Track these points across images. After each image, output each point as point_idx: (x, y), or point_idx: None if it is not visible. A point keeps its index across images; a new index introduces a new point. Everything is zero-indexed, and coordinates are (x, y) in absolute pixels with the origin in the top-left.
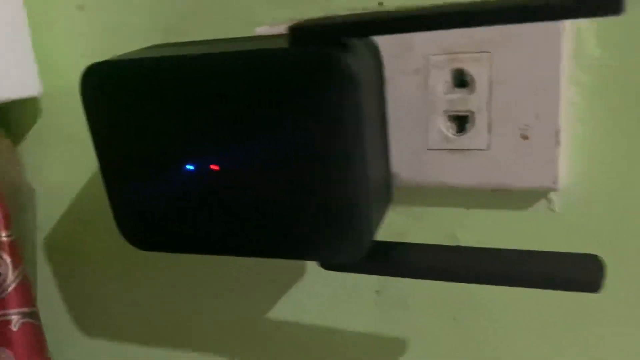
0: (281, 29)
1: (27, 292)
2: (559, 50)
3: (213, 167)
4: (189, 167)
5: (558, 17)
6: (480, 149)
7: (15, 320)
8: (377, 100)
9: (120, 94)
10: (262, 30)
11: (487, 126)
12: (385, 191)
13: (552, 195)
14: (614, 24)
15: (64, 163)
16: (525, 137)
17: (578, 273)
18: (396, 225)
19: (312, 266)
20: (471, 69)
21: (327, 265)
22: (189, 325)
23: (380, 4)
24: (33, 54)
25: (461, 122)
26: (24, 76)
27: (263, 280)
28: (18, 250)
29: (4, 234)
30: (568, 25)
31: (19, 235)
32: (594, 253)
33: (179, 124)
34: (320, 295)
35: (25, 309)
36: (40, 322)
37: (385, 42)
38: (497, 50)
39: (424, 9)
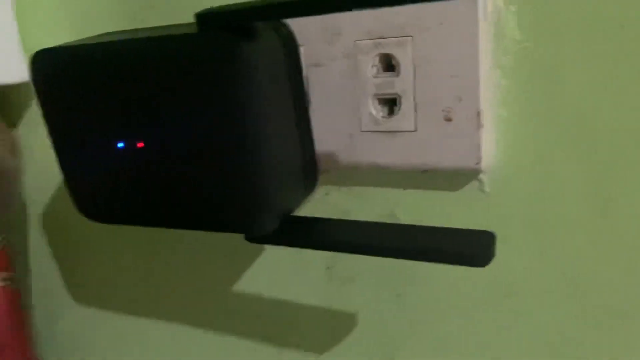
0: None
1: (3, 259)
2: (476, 34)
3: (139, 144)
4: (119, 144)
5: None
6: (408, 131)
7: None
8: (287, 83)
9: (61, 78)
10: None
11: (413, 108)
12: (305, 170)
13: (482, 176)
14: (533, 7)
15: None
16: (448, 119)
17: (469, 248)
18: (341, 205)
19: None
20: (396, 53)
21: (250, 238)
22: (157, 294)
23: None
24: (20, 43)
25: (391, 104)
26: (13, 63)
27: (219, 254)
28: None
29: None
30: (489, 9)
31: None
32: (521, 231)
33: (109, 105)
34: (274, 270)
35: (3, 274)
36: (18, 287)
37: (314, 28)
38: (418, 34)
39: None
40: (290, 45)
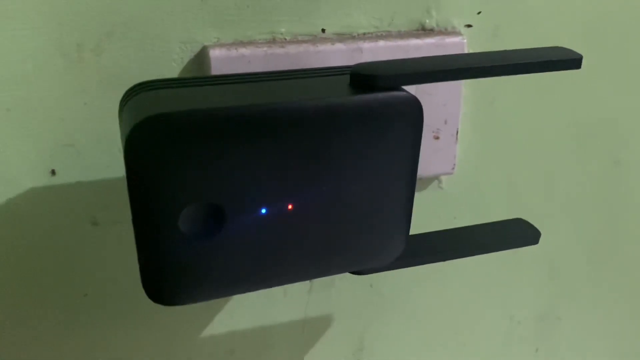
0: (231, 50)
1: None
2: None
3: (289, 207)
4: (263, 210)
5: None
6: None
7: None
8: None
9: (187, 153)
10: (215, 53)
11: None
12: None
13: (441, 177)
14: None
15: None
16: (437, 138)
17: (520, 233)
18: None
19: None
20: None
21: (362, 272)
22: None
23: (323, 30)
24: None
25: None
26: None
27: None
28: None
29: None
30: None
31: None
32: (466, 212)
33: (251, 171)
34: (252, 305)
35: None
36: None
37: None
38: None
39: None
40: None
